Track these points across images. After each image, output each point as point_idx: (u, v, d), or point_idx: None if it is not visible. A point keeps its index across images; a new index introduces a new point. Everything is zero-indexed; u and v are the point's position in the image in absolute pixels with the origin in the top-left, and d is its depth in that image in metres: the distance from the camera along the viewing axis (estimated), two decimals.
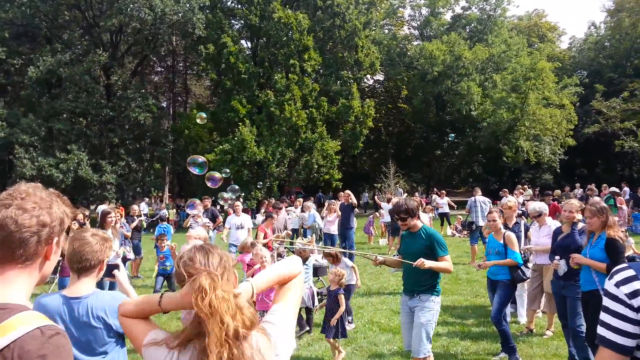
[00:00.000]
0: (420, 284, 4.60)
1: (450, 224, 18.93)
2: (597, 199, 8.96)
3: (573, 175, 36.06)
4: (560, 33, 47.33)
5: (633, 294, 1.62)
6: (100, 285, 6.91)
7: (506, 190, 21.08)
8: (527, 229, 6.97)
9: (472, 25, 37.65)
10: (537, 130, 31.33)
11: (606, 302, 1.68)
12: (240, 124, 25.53)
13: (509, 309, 6.90)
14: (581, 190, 22.06)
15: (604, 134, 31.86)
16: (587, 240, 4.90)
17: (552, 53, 39.32)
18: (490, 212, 6.40)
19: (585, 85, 37.14)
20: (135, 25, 25.68)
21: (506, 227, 6.92)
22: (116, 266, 2.57)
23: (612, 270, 1.71)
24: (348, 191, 11.42)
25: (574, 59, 43.63)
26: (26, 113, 23.81)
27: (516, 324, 6.90)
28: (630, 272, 1.66)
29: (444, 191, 21.74)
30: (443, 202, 19.42)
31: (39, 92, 25.10)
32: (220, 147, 24.95)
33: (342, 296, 5.69)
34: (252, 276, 1.86)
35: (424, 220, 5.98)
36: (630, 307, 1.61)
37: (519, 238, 6.68)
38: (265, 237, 9.02)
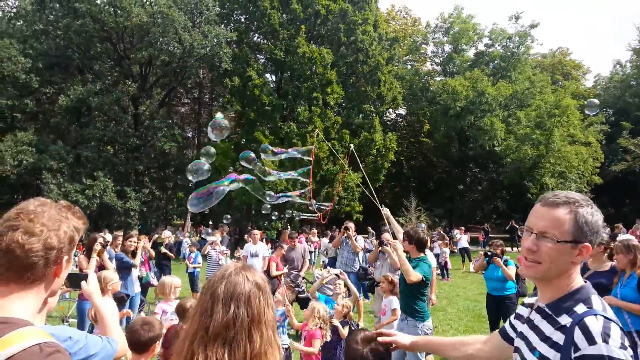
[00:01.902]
0: (407, 306, 4.93)
1: (470, 260, 18.54)
2: (627, 236, 8.65)
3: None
4: (585, 71, 47.22)
5: (634, 352, 1.44)
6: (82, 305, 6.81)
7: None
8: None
9: (496, 62, 37.80)
10: (563, 168, 30.88)
11: None
12: (263, 154, 25.78)
13: None
14: (608, 229, 21.47)
15: (632, 172, 31.18)
16: (617, 279, 4.70)
17: (576, 91, 39.07)
18: None
19: (611, 123, 36.64)
20: (164, 58, 26.49)
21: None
22: (85, 276, 2.16)
23: (601, 329, 1.42)
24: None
25: (599, 97, 43.24)
26: (55, 140, 24.49)
27: None
28: (618, 328, 1.44)
29: (462, 227, 21.51)
30: (463, 237, 19.19)
31: (69, 120, 25.86)
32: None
33: (347, 328, 5.21)
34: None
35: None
36: None
37: None
38: (277, 269, 8.93)
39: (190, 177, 5.52)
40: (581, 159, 31.00)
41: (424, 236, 5.12)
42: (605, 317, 1.46)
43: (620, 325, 1.46)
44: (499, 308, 7.36)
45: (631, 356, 1.39)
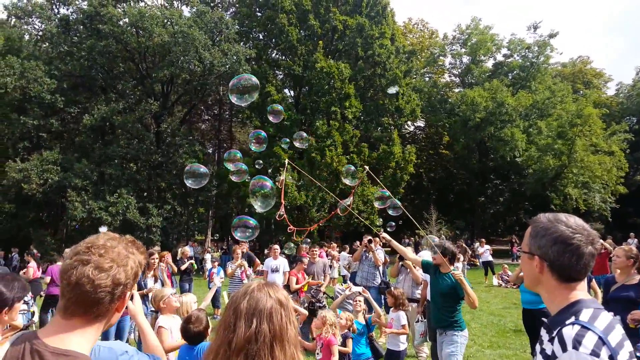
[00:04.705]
0: (443, 320, 5.18)
1: (494, 273, 18.24)
2: None
3: (626, 224, 34.33)
4: (607, 79, 46.43)
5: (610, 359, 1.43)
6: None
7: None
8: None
9: (515, 72, 37.51)
10: (586, 178, 30.35)
11: None
12: (282, 169, 25.94)
13: None
14: (636, 240, 20.97)
15: None
16: None
17: (598, 99, 38.47)
18: None
19: (635, 131, 35.96)
20: (185, 77, 26.96)
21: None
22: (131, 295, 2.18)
23: (573, 336, 1.46)
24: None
25: (622, 105, 42.52)
26: (80, 158, 24.98)
27: None
28: (594, 336, 1.46)
29: (483, 239, 21.19)
30: (484, 249, 18.91)
31: (93, 139, 26.40)
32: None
33: (350, 340, 5.43)
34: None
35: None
36: None
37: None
38: (297, 283, 8.94)
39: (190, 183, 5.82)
40: (605, 168, 30.44)
41: (454, 249, 5.41)
42: (582, 326, 1.49)
43: (604, 336, 1.46)
44: (534, 324, 6.62)
45: None
